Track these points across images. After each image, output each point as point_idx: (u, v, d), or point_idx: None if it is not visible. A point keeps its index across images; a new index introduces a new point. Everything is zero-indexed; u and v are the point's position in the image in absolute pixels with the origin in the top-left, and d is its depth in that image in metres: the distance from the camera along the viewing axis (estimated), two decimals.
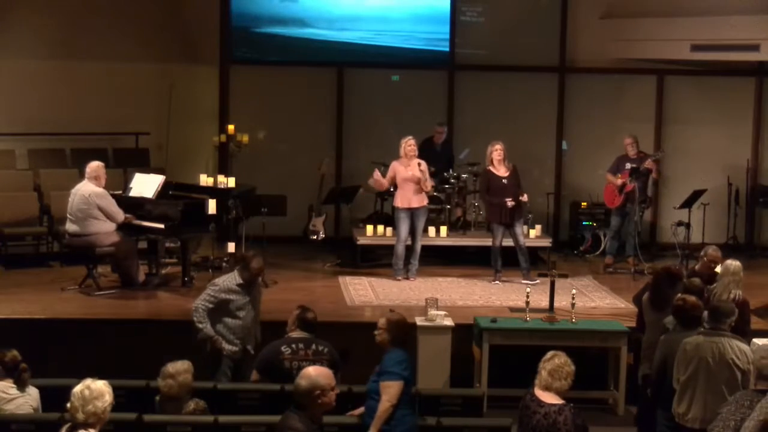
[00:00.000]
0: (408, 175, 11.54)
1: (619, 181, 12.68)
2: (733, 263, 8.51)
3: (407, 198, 11.56)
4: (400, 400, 6.56)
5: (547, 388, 6.06)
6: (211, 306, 8.21)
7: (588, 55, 14.30)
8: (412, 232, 11.64)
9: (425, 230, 12.15)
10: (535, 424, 5.96)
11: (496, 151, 11.58)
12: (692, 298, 7.45)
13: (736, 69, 14.09)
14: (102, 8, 13.42)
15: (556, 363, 6.10)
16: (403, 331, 6.87)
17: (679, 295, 7.60)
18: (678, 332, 7.30)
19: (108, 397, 5.34)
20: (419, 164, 11.53)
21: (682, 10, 13.25)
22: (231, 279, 8.33)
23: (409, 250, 11.75)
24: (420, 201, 11.60)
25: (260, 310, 8.61)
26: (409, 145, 11.56)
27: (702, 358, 6.88)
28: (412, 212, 11.59)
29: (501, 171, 11.60)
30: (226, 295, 8.23)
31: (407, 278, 11.69)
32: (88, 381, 5.39)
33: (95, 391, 5.31)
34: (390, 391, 6.53)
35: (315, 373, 5.53)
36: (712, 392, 6.78)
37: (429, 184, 11.67)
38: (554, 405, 5.97)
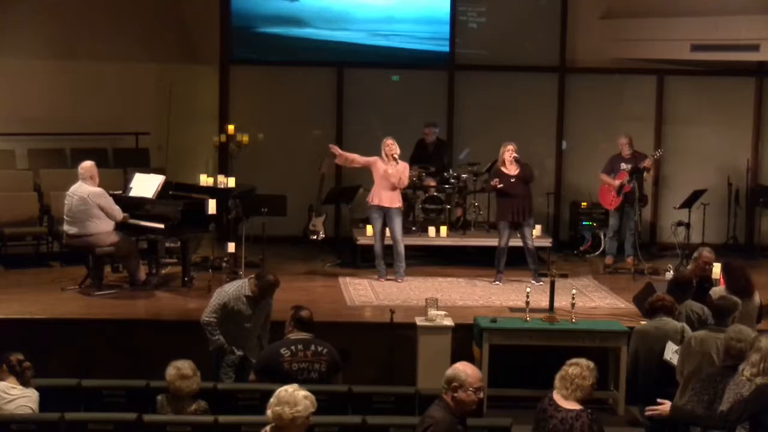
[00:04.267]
0: (381, 172, 11.50)
1: (617, 182, 12.65)
2: None
3: (379, 196, 11.50)
4: None
5: (563, 395, 5.99)
6: (218, 316, 8.23)
7: (588, 55, 14.29)
8: (391, 235, 11.57)
9: (425, 230, 12.10)
10: (551, 428, 5.89)
11: (508, 150, 11.58)
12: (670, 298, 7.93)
13: (736, 69, 14.08)
14: (102, 8, 13.40)
15: (568, 372, 6.00)
16: None
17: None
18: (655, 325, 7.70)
19: (300, 407, 5.28)
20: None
21: (682, 10, 13.24)
22: (241, 288, 8.34)
23: (393, 252, 11.68)
24: (391, 201, 11.49)
25: (267, 330, 8.58)
26: (387, 145, 11.52)
27: (706, 353, 7.00)
28: (384, 212, 11.51)
29: (511, 170, 11.61)
30: (234, 303, 8.24)
31: (396, 280, 11.58)
32: (291, 387, 5.40)
33: (285, 398, 5.32)
34: None
35: (461, 367, 5.57)
36: None
37: (404, 182, 11.62)
38: (572, 411, 5.90)
